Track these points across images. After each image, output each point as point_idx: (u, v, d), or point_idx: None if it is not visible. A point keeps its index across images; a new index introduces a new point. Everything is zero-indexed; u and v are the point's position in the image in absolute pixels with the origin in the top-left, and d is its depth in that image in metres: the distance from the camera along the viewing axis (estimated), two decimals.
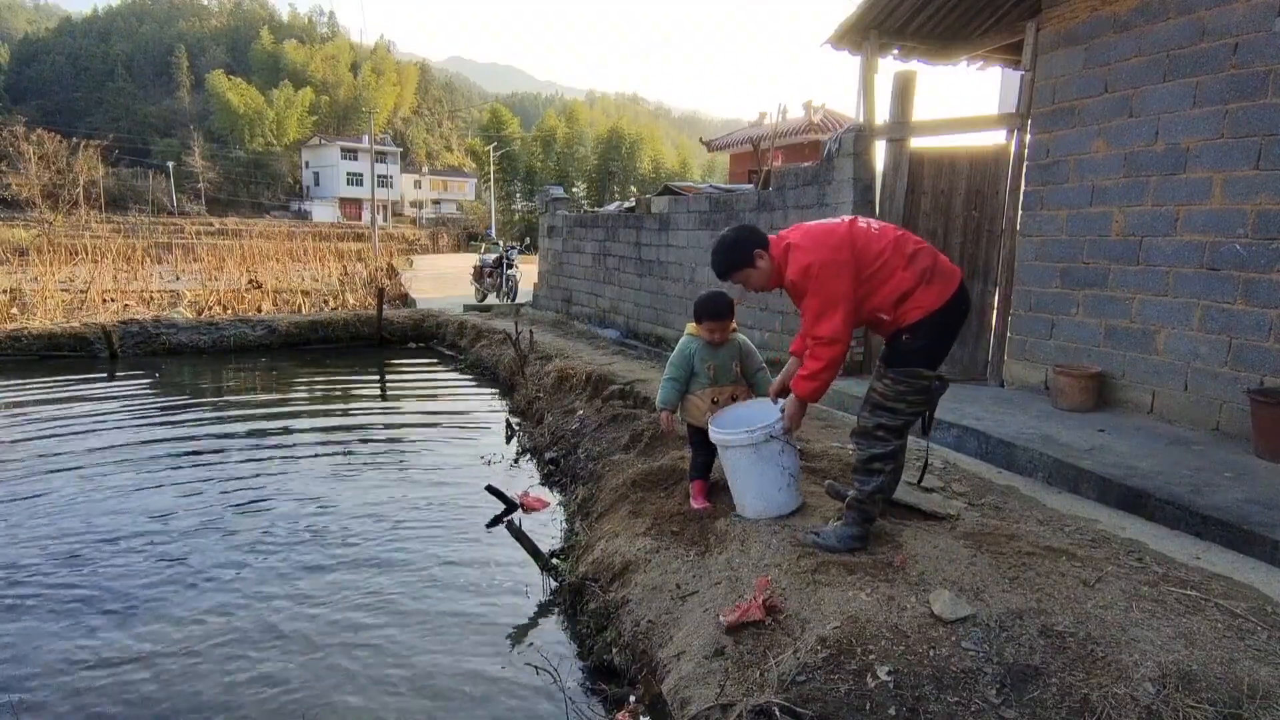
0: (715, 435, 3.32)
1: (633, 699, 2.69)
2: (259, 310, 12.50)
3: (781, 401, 3.14)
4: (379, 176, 42.10)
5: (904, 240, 2.71)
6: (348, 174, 62.48)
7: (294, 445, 6.42)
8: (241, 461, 5.88)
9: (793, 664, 2.31)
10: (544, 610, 3.68)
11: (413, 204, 67.63)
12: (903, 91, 6.03)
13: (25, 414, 7.11)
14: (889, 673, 2.18)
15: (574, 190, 42.88)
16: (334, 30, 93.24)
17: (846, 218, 2.85)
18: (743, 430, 3.18)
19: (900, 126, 6.05)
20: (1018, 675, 2.15)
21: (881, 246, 2.65)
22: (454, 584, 3.92)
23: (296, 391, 8.88)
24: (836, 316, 2.58)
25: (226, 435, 6.63)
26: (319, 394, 8.88)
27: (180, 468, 5.66)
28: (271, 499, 5.07)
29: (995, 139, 6.13)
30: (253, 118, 64.65)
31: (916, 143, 6.09)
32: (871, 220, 2.86)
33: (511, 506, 4.80)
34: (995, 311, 5.93)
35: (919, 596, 2.53)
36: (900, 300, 2.64)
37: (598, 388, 6.55)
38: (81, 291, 12.15)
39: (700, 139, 25.29)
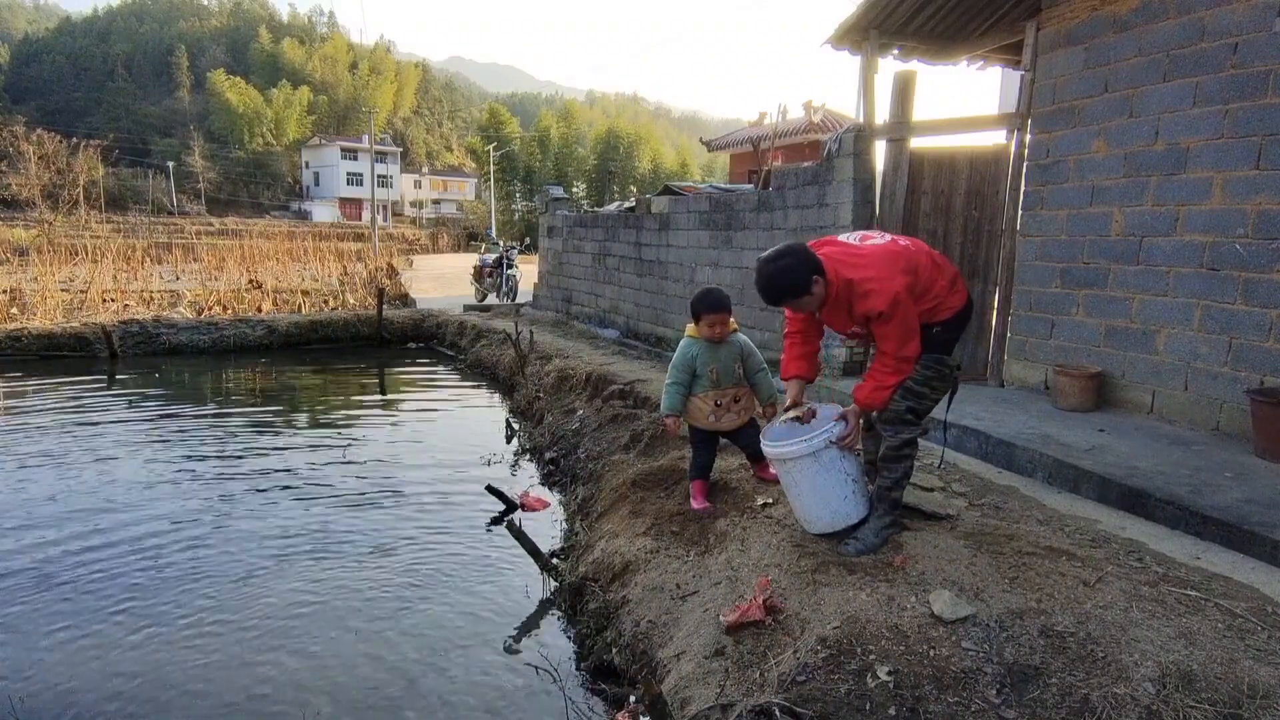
0: (771, 450, 3.02)
1: (633, 699, 2.69)
2: (259, 310, 12.50)
3: (831, 408, 3.11)
4: (379, 176, 42.10)
5: (932, 253, 2.95)
6: (347, 174, 62.43)
7: (293, 445, 6.42)
8: (240, 461, 5.88)
9: (793, 664, 2.31)
10: (544, 610, 3.68)
11: (413, 204, 67.58)
12: (903, 91, 6.03)
13: (24, 414, 7.11)
14: (889, 673, 2.18)
15: (574, 190, 42.85)
16: (333, 30, 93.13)
17: (885, 236, 2.95)
18: (800, 439, 2.91)
19: (900, 126, 6.05)
20: (1018, 675, 2.15)
21: (924, 261, 2.87)
22: (454, 584, 3.93)
23: (296, 392, 8.88)
24: (917, 335, 2.83)
25: (225, 435, 6.63)
26: (318, 394, 8.88)
27: (178, 469, 5.66)
28: (269, 499, 5.07)
29: (995, 139, 6.12)
30: (252, 117, 64.64)
31: (916, 143, 6.09)
32: (897, 235, 3.01)
33: (511, 506, 4.80)
34: (995, 311, 5.92)
35: (919, 596, 2.53)
36: (937, 306, 2.89)
37: (598, 388, 6.55)
38: (81, 291, 12.14)
39: (700, 139, 25.23)
